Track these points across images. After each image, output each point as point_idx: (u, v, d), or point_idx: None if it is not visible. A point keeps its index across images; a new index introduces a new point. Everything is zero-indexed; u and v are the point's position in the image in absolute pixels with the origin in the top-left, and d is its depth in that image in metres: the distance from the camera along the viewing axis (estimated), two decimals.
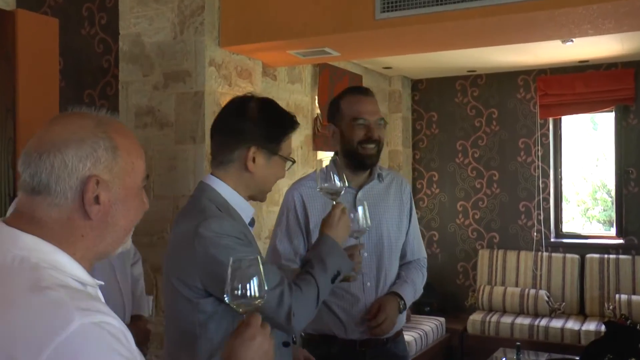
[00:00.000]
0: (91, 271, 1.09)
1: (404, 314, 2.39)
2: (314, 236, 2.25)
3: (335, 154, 2.39)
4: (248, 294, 1.26)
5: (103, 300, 1.15)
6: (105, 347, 0.92)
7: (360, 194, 2.33)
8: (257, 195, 1.81)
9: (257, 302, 1.27)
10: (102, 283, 1.16)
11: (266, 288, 1.26)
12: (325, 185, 1.85)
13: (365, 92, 2.36)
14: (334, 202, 1.85)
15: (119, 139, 1.09)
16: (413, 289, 2.38)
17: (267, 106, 1.82)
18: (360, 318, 2.28)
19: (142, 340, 2.45)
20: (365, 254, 2.25)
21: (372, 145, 2.26)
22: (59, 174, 1.03)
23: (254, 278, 1.26)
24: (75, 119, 1.09)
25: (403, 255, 2.44)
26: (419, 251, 2.49)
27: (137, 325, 2.48)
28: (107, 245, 1.11)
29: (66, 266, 1.03)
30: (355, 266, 1.90)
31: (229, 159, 1.75)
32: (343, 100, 2.34)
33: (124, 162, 1.09)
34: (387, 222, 2.35)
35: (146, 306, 2.63)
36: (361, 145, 2.26)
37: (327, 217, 1.82)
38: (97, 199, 1.05)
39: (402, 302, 2.30)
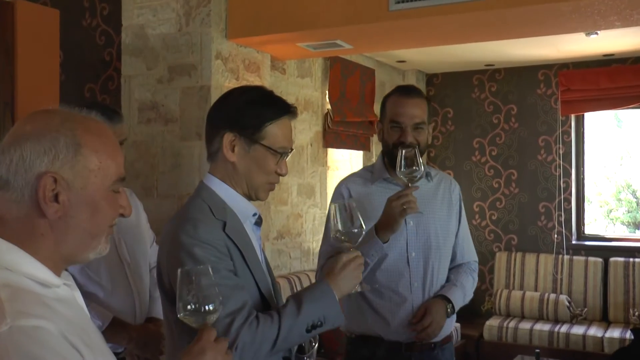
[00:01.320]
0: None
1: (453, 318, 2.42)
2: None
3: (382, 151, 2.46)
4: (202, 308, 1.21)
5: (82, 302, 1.16)
6: (28, 354, 0.92)
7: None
8: (249, 193, 1.72)
9: (212, 317, 1.22)
10: (71, 283, 1.15)
11: (222, 311, 1.21)
12: (340, 229, 1.70)
13: (409, 93, 2.36)
14: (350, 248, 1.74)
15: (86, 137, 1.08)
16: (462, 293, 2.41)
17: (251, 91, 1.75)
18: (406, 320, 2.31)
19: (147, 343, 2.43)
20: (413, 254, 2.32)
21: (407, 149, 2.25)
22: (16, 169, 1.05)
23: (209, 290, 1.21)
24: (43, 115, 1.10)
25: (452, 258, 2.47)
26: (469, 254, 2.52)
27: (146, 327, 2.46)
28: (71, 249, 1.10)
29: (24, 266, 1.04)
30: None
31: (212, 149, 1.72)
32: (389, 99, 2.39)
33: (87, 161, 1.08)
34: (435, 221, 2.39)
35: None
36: (397, 148, 2.27)
37: (332, 262, 1.72)
38: (56, 198, 1.05)
39: (450, 305, 2.33)
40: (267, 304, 1.69)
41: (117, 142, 1.18)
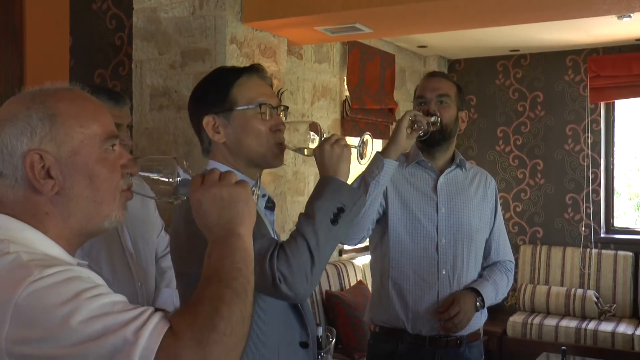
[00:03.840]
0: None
1: (484, 314, 2.43)
2: (387, 213, 2.35)
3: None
4: (167, 179, 1.20)
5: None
6: (60, 292, 0.95)
7: (442, 179, 2.41)
8: (259, 163, 1.69)
9: (175, 181, 1.20)
10: (86, 262, 1.15)
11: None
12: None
13: (434, 73, 2.53)
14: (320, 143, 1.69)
15: (59, 105, 1.09)
16: (494, 289, 2.41)
17: (210, 72, 1.76)
18: (430, 309, 2.32)
19: None
20: (443, 240, 2.35)
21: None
22: (3, 157, 1.07)
23: (161, 169, 1.20)
24: (14, 99, 1.12)
25: (486, 255, 2.49)
26: (505, 252, 2.53)
27: None
28: (80, 221, 1.11)
29: (38, 243, 1.06)
30: None
31: (204, 144, 1.71)
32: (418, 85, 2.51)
33: (67, 128, 1.09)
34: (469, 210, 2.42)
35: (170, 301, 2.62)
36: None
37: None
38: (48, 173, 1.07)
39: (480, 298, 2.34)
40: None
41: (98, 102, 1.17)
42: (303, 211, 1.60)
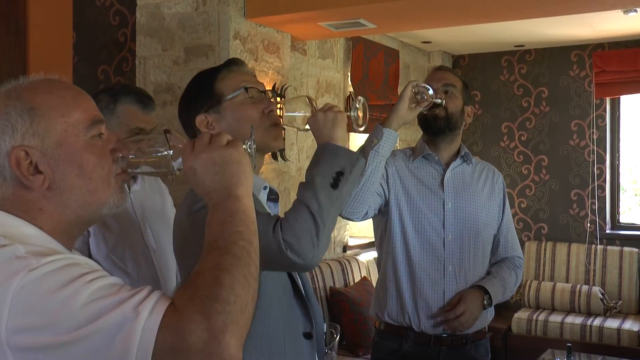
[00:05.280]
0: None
1: (490, 312, 2.41)
2: (393, 206, 2.34)
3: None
4: (159, 153, 1.17)
5: None
6: (62, 275, 0.94)
7: (449, 173, 2.38)
8: (259, 148, 1.63)
9: (168, 153, 1.17)
10: (80, 255, 1.13)
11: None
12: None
13: (441, 67, 2.52)
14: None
15: (37, 97, 1.07)
16: (502, 287, 2.39)
17: (194, 77, 1.77)
18: (436, 307, 2.30)
19: None
20: (450, 236, 2.33)
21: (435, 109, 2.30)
22: None
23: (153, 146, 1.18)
24: None
25: (494, 251, 2.47)
26: (514, 249, 2.50)
27: None
28: (75, 212, 1.09)
29: (36, 239, 1.04)
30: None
31: None
32: None
33: (48, 121, 1.07)
34: (476, 205, 2.39)
35: None
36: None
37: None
38: (37, 168, 1.05)
39: (487, 296, 2.31)
40: (295, 285, 1.65)
41: (77, 89, 1.15)
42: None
